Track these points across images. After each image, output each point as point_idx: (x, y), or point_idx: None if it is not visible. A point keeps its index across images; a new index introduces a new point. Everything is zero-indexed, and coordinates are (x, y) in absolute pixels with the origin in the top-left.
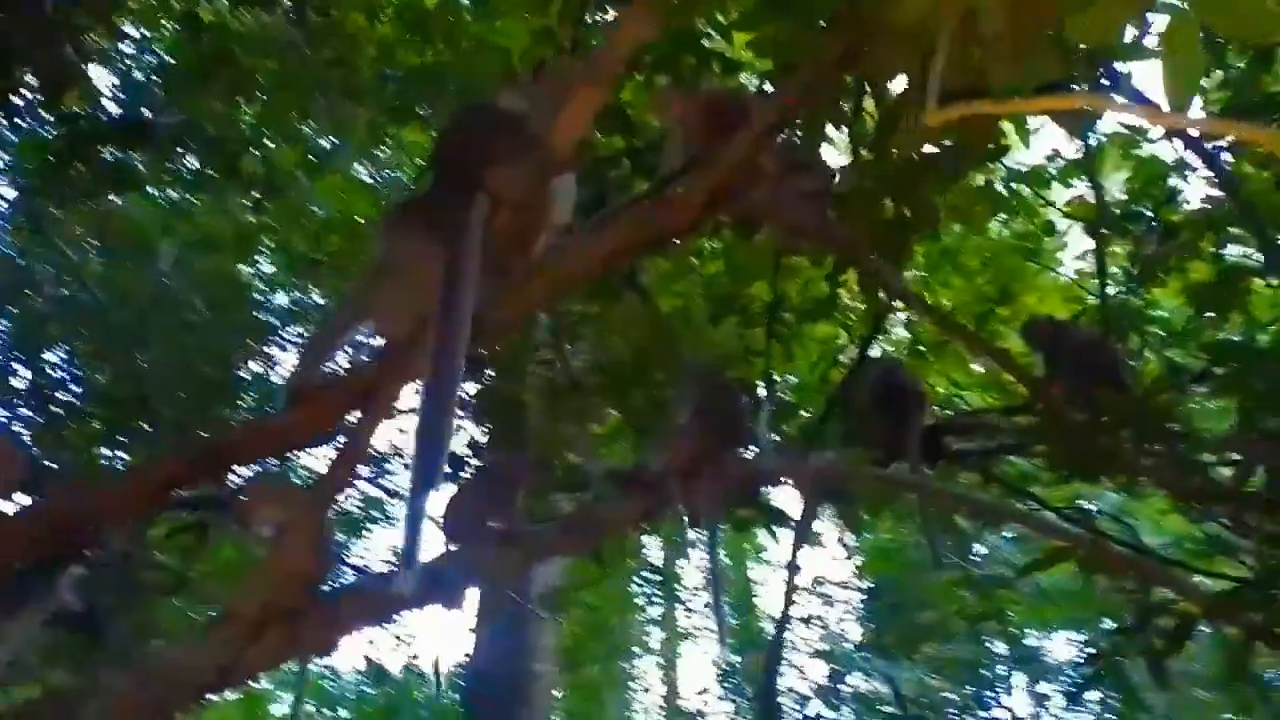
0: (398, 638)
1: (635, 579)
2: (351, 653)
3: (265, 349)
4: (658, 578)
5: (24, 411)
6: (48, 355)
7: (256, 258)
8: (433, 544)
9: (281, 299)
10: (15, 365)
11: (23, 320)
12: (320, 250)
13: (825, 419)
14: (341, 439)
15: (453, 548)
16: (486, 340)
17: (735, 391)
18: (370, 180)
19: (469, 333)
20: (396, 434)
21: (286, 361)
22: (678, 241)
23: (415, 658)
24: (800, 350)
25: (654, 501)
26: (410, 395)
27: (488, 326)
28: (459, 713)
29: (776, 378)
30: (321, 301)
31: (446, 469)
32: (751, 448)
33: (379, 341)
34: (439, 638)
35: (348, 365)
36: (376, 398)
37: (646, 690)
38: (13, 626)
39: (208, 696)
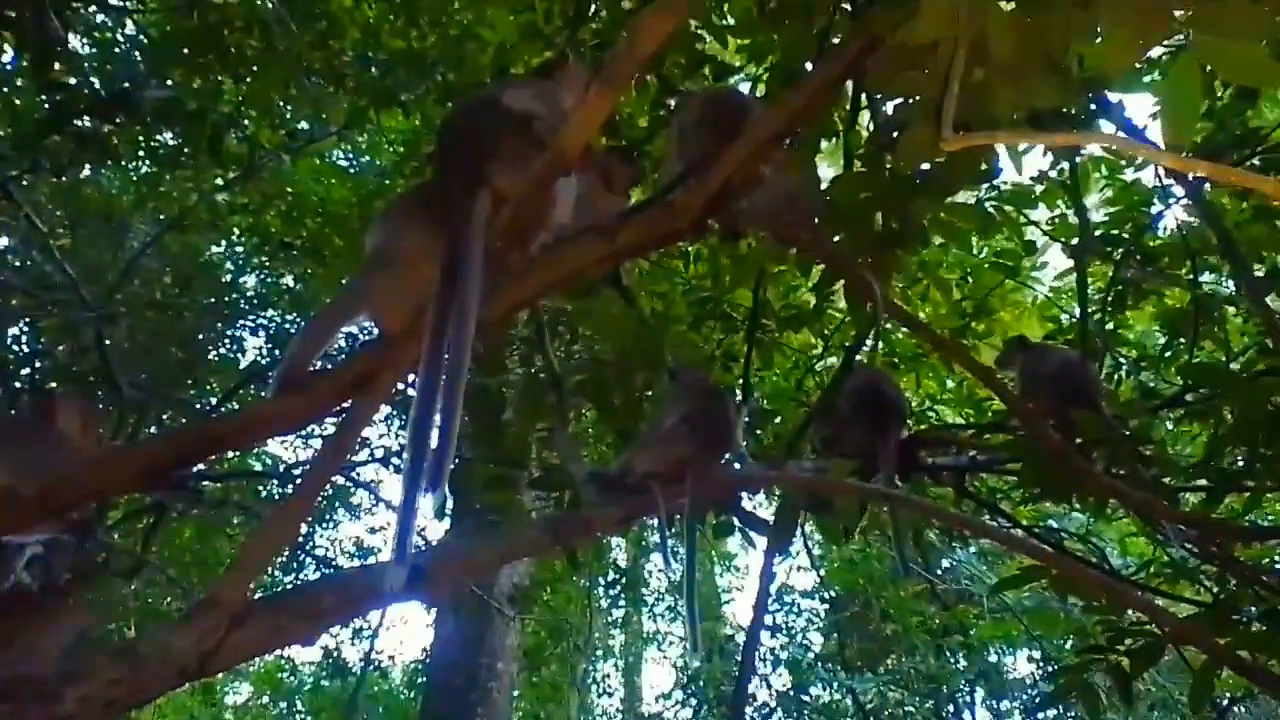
0: (356, 631)
1: (600, 581)
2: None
3: (233, 331)
4: (622, 580)
5: None
6: (10, 329)
7: (229, 238)
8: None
9: (252, 281)
10: None
11: None
12: (295, 233)
13: (804, 427)
14: (328, 428)
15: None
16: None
17: (723, 396)
18: (348, 165)
19: (474, 330)
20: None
21: (254, 344)
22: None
23: (375, 651)
24: (778, 358)
25: (636, 505)
26: (402, 388)
27: (479, 322)
28: (416, 708)
29: (754, 384)
30: (293, 285)
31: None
32: (733, 454)
33: (373, 332)
34: (399, 631)
35: (340, 354)
36: (370, 389)
37: (608, 693)
38: None
39: (184, 682)
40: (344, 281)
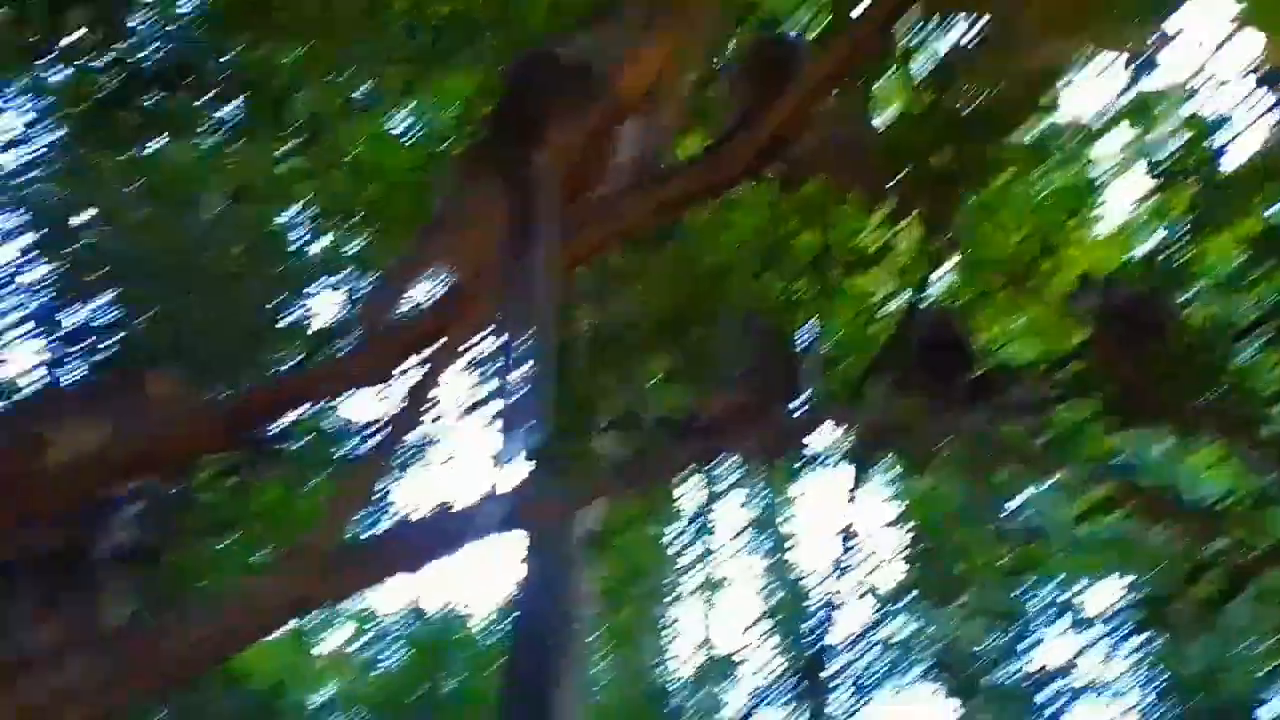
0: (438, 580)
1: (673, 525)
2: (392, 593)
3: (302, 299)
4: (695, 524)
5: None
6: (92, 303)
7: (294, 206)
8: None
9: (318, 247)
10: (59, 312)
11: (67, 267)
12: (358, 199)
13: (870, 370)
14: (407, 383)
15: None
16: (558, 279)
17: (789, 342)
18: (407, 130)
19: (552, 281)
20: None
21: (323, 310)
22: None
23: (457, 599)
24: (843, 303)
25: (706, 448)
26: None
27: (558, 267)
28: (500, 654)
29: (819, 328)
30: (359, 251)
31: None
32: (803, 397)
33: (442, 288)
34: (480, 580)
35: (411, 310)
36: (442, 344)
37: (683, 636)
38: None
39: (281, 626)
40: (411, 241)
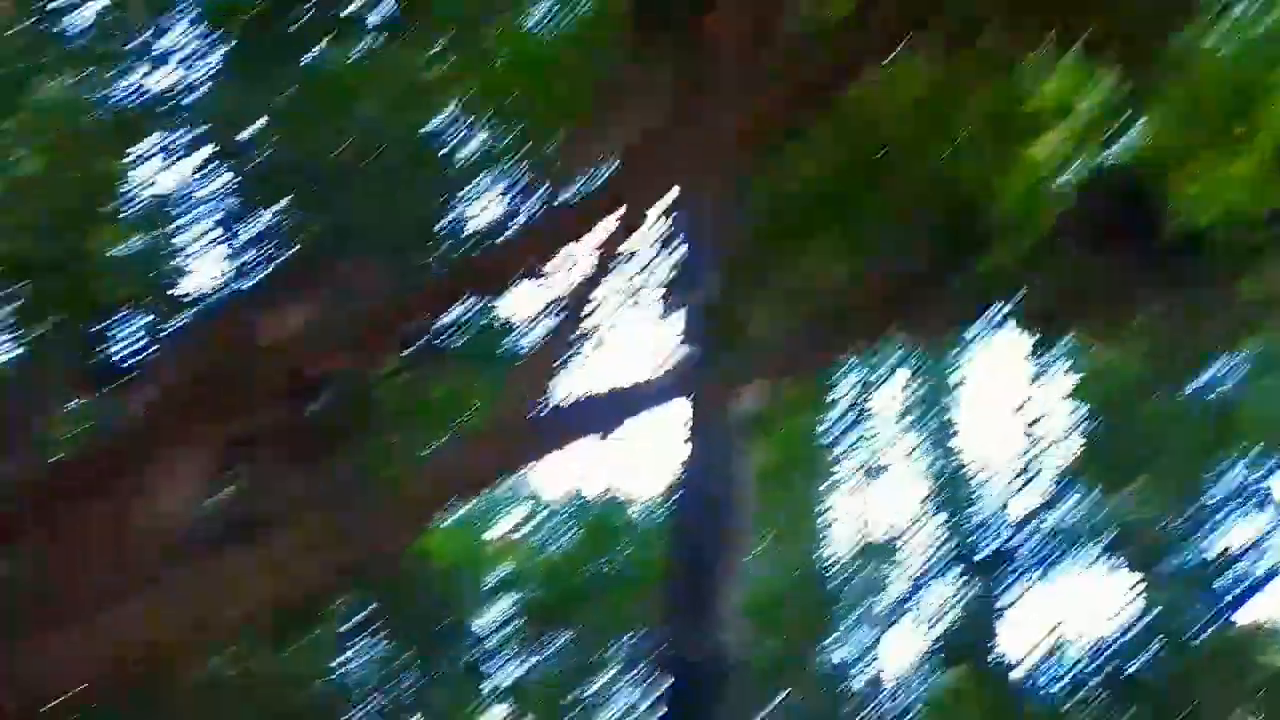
0: (602, 465)
1: (833, 408)
2: (556, 479)
3: (459, 200)
4: (856, 407)
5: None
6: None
7: (447, 107)
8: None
9: (473, 147)
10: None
11: (239, 178)
12: (507, 96)
13: (1052, 237)
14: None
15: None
16: (726, 151)
17: (957, 213)
18: (554, 22)
19: (722, 153)
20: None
21: (481, 210)
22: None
23: (621, 483)
24: (1020, 166)
25: (874, 323)
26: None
27: (725, 139)
28: (663, 537)
29: (994, 193)
30: (513, 147)
31: None
32: (968, 268)
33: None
34: (640, 465)
35: (586, 188)
36: (623, 215)
37: (843, 521)
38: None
39: (477, 494)
40: (576, 121)
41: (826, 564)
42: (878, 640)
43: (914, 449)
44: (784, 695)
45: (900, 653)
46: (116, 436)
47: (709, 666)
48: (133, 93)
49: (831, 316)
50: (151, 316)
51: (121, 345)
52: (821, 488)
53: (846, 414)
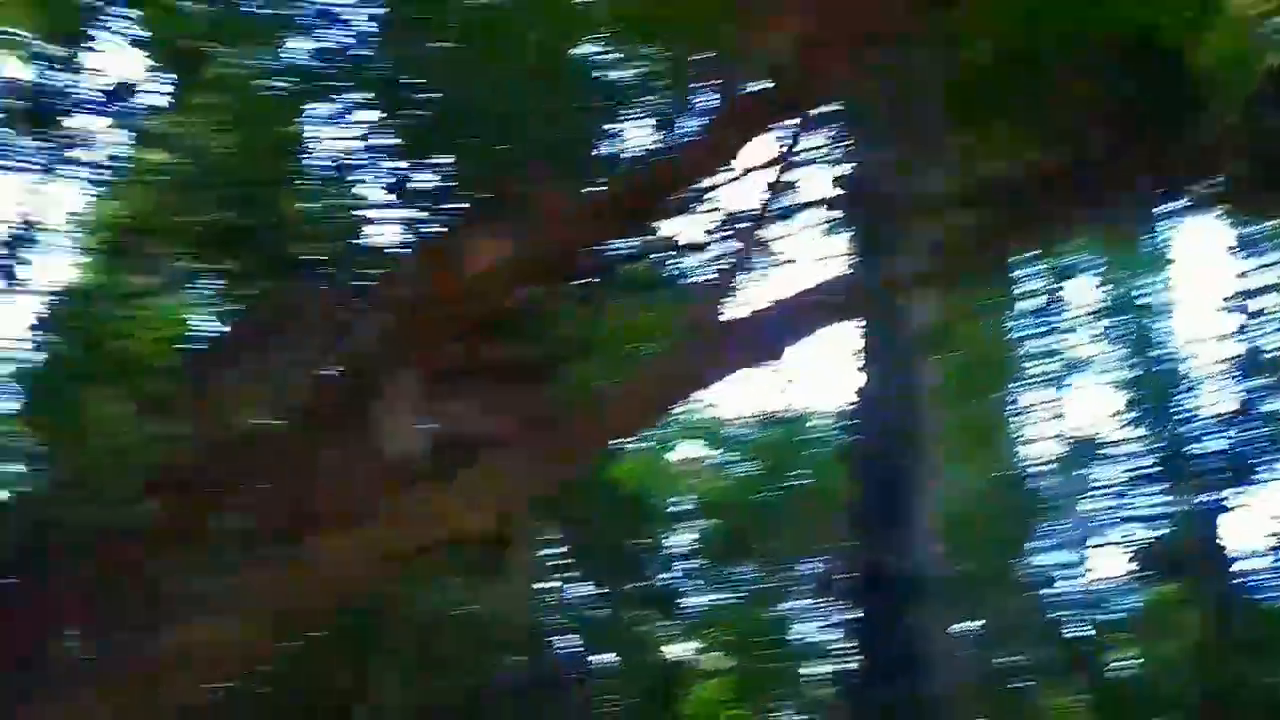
0: (785, 382)
1: (1016, 309)
2: (738, 399)
3: (613, 126)
4: (1042, 306)
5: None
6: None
7: (595, 34)
8: None
9: (629, 72)
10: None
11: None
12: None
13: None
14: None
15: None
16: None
17: (1163, 70)
18: None
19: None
20: None
21: (634, 135)
22: None
23: (800, 401)
24: (1225, 19)
25: (1064, 209)
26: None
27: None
28: (845, 453)
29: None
30: (661, 69)
31: None
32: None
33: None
34: (821, 380)
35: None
36: (789, 121)
37: (1039, 424)
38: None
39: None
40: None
41: (1025, 472)
42: (1084, 550)
43: (1112, 346)
44: (985, 610)
45: (1109, 562)
46: (341, 375)
47: (902, 584)
48: (303, 55)
49: (1016, 206)
50: (350, 271)
51: (328, 298)
52: (1013, 393)
53: (1036, 312)
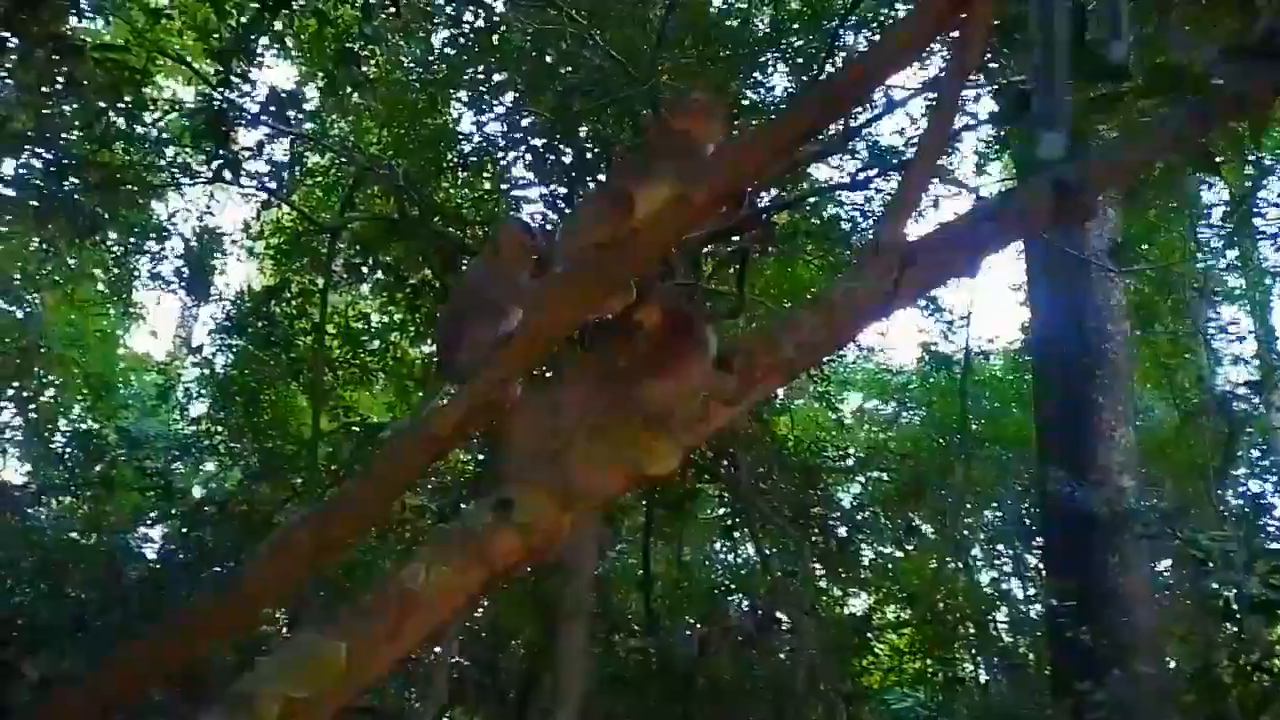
0: (950, 324)
1: (1205, 219)
2: (905, 345)
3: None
4: (1233, 212)
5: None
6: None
7: None
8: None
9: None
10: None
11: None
12: None
13: None
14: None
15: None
16: None
17: None
18: None
19: None
20: None
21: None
22: None
23: (974, 337)
24: None
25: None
26: None
27: None
28: (1026, 388)
29: None
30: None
31: None
32: None
33: None
34: (993, 318)
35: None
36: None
37: (1238, 339)
38: None
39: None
40: None
41: (1223, 396)
42: None
43: None
44: (1183, 541)
45: None
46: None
47: (1095, 521)
48: (447, 45)
49: (1209, 93)
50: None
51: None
52: (1208, 310)
53: (1233, 218)
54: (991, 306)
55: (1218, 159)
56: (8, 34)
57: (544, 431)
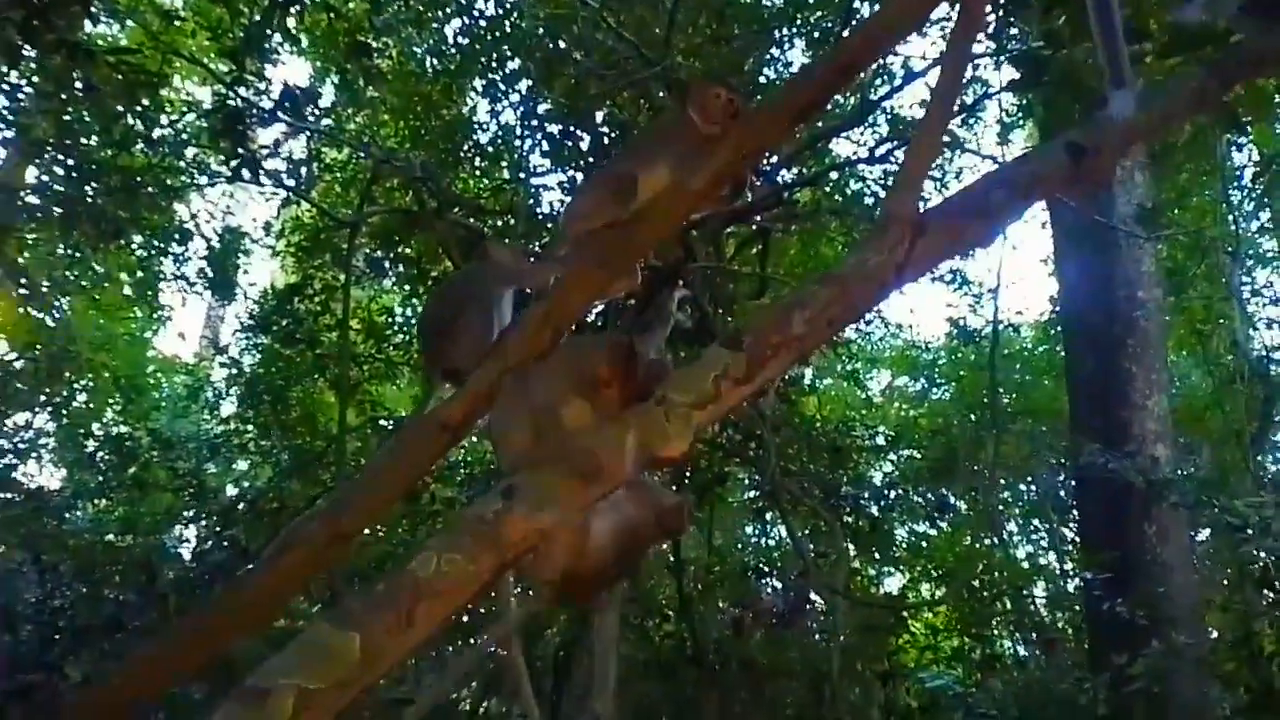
0: (977, 297)
1: (1237, 182)
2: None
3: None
4: (1265, 175)
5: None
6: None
7: None
8: None
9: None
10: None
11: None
12: None
13: None
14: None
15: None
16: None
17: None
18: None
19: None
20: None
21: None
22: None
23: (1001, 310)
24: None
25: None
26: None
27: None
28: (1057, 358)
29: None
30: None
31: None
32: None
33: None
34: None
35: None
36: None
37: (1274, 302)
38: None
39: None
40: None
41: (1260, 359)
42: None
43: None
44: (1220, 509)
45: None
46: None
47: (1129, 490)
48: (460, 34)
49: (1238, 51)
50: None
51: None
52: (1237, 272)
53: (1250, 190)
54: (1021, 280)
55: (1245, 119)
56: (23, 42)
57: (535, 417)
